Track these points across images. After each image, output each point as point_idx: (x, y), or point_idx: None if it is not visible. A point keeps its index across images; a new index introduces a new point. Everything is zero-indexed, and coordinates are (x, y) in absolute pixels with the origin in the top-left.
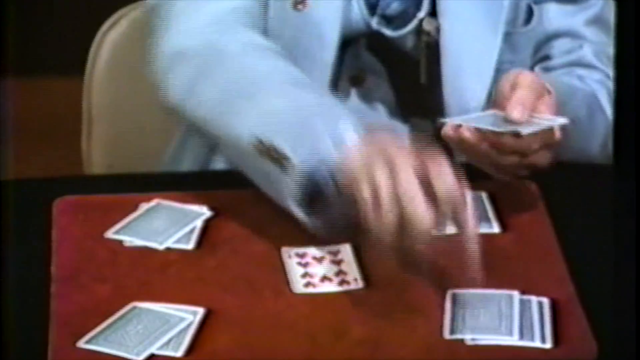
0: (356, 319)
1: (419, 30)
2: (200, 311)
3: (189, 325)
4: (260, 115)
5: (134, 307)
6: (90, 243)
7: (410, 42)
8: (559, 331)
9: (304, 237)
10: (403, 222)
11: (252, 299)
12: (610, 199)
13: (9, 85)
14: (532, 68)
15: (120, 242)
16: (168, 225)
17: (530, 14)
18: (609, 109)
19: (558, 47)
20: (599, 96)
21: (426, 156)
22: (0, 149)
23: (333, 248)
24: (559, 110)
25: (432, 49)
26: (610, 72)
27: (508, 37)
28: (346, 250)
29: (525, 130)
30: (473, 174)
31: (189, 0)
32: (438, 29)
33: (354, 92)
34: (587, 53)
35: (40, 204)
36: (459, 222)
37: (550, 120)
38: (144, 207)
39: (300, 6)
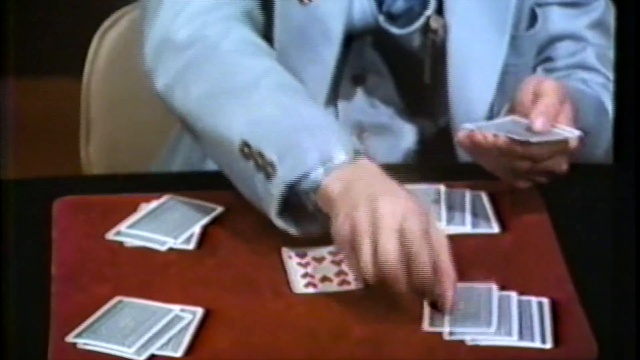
0: (356, 319)
1: (425, 29)
2: (200, 311)
3: (188, 325)
4: (249, 120)
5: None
6: (90, 243)
7: (416, 41)
8: (559, 331)
9: (304, 237)
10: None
11: (253, 299)
12: (610, 199)
13: (9, 85)
14: (534, 69)
15: (120, 242)
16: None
17: (533, 17)
18: (611, 113)
19: (561, 49)
20: (604, 100)
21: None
22: (0, 149)
23: (333, 248)
24: (575, 118)
25: (437, 48)
26: (611, 75)
27: (512, 40)
28: None
29: (536, 138)
30: (473, 173)
31: None
32: (445, 27)
33: (356, 91)
34: (589, 56)
35: (40, 204)
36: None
37: (566, 132)
38: (144, 207)
39: (306, 0)
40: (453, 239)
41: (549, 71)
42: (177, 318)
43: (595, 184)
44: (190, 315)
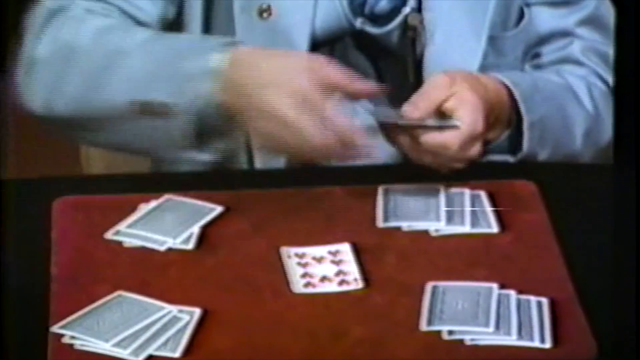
0: (356, 319)
1: (404, 26)
2: (197, 311)
3: (186, 326)
4: (130, 78)
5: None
6: (90, 243)
7: (397, 40)
8: (559, 331)
9: (303, 237)
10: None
11: (252, 299)
12: (610, 199)
13: (9, 85)
14: (523, 68)
15: (119, 242)
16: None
17: (521, 16)
18: (588, 102)
19: (549, 46)
20: (576, 89)
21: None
22: (0, 149)
23: (332, 248)
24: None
25: (417, 45)
26: (599, 68)
27: (494, 40)
28: (346, 251)
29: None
30: (473, 173)
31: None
32: (423, 25)
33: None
34: (575, 49)
35: (40, 204)
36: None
37: (435, 122)
38: (143, 207)
39: (265, 14)
40: (453, 238)
41: (536, 67)
42: (174, 319)
43: (595, 184)
44: (187, 316)
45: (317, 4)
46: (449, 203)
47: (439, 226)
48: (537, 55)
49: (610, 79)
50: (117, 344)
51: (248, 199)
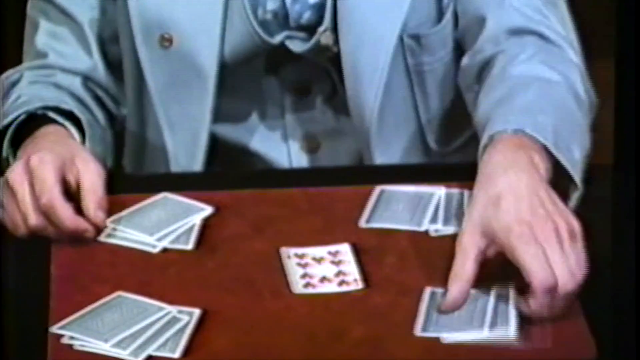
0: (355, 320)
1: (319, 46)
2: (197, 312)
3: (185, 326)
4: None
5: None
6: (90, 243)
7: (314, 57)
8: (558, 331)
9: (303, 237)
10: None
11: (252, 300)
12: (610, 199)
13: None
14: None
15: (119, 244)
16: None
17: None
18: (583, 93)
19: (487, 28)
20: (573, 82)
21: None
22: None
23: (332, 249)
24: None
25: (336, 62)
26: (546, 20)
27: (420, 39)
28: (346, 251)
29: None
30: (472, 174)
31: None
32: (337, 42)
33: (303, 103)
34: (517, 19)
35: None
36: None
37: None
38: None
39: (166, 43)
40: (452, 239)
41: (512, 64)
42: (174, 319)
43: (595, 184)
44: (187, 316)
45: (224, 26)
46: (448, 204)
47: (419, 230)
48: (486, 55)
49: (561, 30)
50: (117, 345)
51: (248, 199)
